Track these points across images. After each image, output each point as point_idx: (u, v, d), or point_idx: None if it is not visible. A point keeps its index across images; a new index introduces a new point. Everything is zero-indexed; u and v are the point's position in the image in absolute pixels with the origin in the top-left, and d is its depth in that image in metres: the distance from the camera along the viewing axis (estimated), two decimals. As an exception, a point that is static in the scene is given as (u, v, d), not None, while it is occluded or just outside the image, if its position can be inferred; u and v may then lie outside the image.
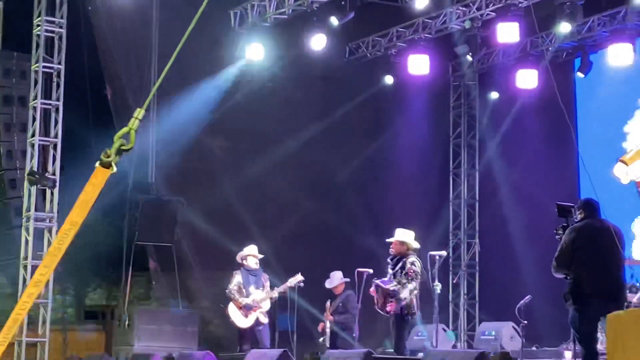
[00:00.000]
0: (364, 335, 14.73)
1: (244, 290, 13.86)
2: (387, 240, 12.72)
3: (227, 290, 14.01)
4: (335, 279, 14.80)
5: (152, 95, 4.43)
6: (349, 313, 14.39)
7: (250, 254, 14.02)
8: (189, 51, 16.13)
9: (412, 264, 12.28)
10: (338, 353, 11.84)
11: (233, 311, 13.89)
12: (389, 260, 12.62)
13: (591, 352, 9.33)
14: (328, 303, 14.86)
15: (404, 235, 12.54)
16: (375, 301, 12.36)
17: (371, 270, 13.45)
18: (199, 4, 5.16)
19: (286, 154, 18.71)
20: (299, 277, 13.89)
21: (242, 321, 13.81)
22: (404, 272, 12.26)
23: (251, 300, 13.77)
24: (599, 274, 9.34)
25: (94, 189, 3.96)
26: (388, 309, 12.13)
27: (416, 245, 12.57)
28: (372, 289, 12.63)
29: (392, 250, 12.58)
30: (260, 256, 14.11)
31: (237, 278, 13.94)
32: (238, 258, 14.11)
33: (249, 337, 13.81)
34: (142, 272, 20.66)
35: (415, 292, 12.26)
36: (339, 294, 14.88)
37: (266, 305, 13.86)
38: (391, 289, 12.09)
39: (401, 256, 12.43)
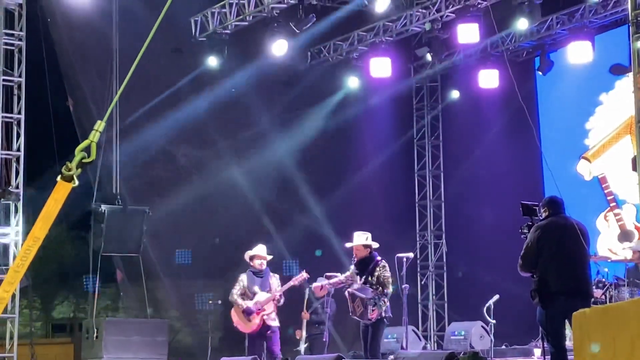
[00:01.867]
0: (334, 340, 14.75)
1: (249, 292, 13.26)
2: (347, 245, 12.66)
3: (229, 296, 13.51)
4: (318, 282, 14.87)
5: (112, 107, 4.42)
6: (326, 314, 14.43)
7: (256, 254, 13.37)
8: (150, 60, 16.11)
9: (384, 268, 12.25)
10: (309, 358, 11.84)
11: (235, 316, 13.33)
12: (353, 266, 12.55)
13: (559, 349, 9.39)
14: (306, 292, 14.82)
15: (364, 238, 12.49)
16: (352, 309, 12.22)
17: (339, 274, 13.43)
18: (159, 13, 5.16)
19: (251, 159, 18.72)
20: (304, 275, 13.38)
21: (245, 326, 13.21)
22: (374, 276, 12.20)
23: (253, 304, 13.16)
24: (564, 271, 9.41)
25: (56, 203, 3.94)
26: (371, 316, 12.05)
27: (376, 245, 12.56)
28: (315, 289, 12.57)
29: (355, 256, 12.54)
30: (268, 257, 13.45)
31: (242, 281, 13.30)
32: (246, 257, 13.50)
33: (257, 343, 13.16)
34: (109, 284, 20.55)
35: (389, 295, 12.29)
36: (320, 297, 14.94)
37: (269, 308, 13.16)
38: (371, 297, 12.03)
39: (366, 260, 12.38)
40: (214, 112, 18.28)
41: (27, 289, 18.35)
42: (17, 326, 15.64)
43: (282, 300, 13.25)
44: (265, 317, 13.12)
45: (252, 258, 13.39)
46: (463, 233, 19.83)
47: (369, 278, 12.19)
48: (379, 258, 12.41)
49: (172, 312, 19.64)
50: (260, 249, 13.45)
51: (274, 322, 13.15)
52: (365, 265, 12.32)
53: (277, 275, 13.49)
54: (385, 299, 12.13)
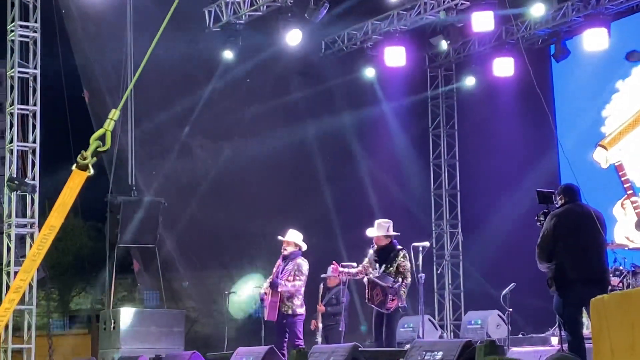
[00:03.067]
0: (350, 329, 14.74)
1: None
2: (369, 234, 12.58)
3: None
4: (330, 272, 14.83)
5: (126, 96, 4.42)
6: (341, 305, 14.40)
7: (282, 240, 13.06)
8: (164, 51, 16.11)
9: (404, 257, 12.20)
10: (325, 347, 11.81)
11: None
12: (372, 252, 12.52)
13: (577, 337, 9.35)
14: (321, 287, 14.79)
15: (386, 229, 12.46)
16: (369, 297, 12.12)
17: (355, 264, 13.40)
18: (172, 3, 5.15)
19: (266, 149, 18.71)
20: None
21: (265, 314, 12.91)
22: (393, 266, 12.14)
23: (263, 292, 12.87)
24: (581, 258, 9.37)
25: (71, 192, 3.94)
26: (389, 305, 12.00)
27: (396, 233, 12.51)
28: (332, 270, 12.48)
29: (375, 245, 12.44)
30: (301, 244, 12.92)
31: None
32: None
33: (276, 332, 12.81)
34: (126, 275, 20.62)
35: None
36: (333, 287, 14.90)
37: (272, 296, 12.65)
38: (392, 286, 11.97)
39: (387, 249, 12.33)
40: (229, 102, 18.29)
41: (45, 280, 18.43)
42: (35, 317, 15.71)
43: (280, 287, 12.63)
44: (274, 304, 12.70)
45: None
46: (479, 222, 19.77)
47: (389, 267, 12.14)
48: (399, 247, 12.35)
49: (189, 303, 19.67)
50: (288, 234, 13.07)
51: (294, 310, 12.72)
52: (386, 254, 12.25)
53: (305, 261, 12.92)
54: (405, 289, 12.10)
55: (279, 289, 12.67)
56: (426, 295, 13.80)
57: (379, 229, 12.42)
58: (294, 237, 13.05)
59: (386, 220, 12.53)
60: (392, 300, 11.97)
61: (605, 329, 5.68)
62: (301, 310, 12.82)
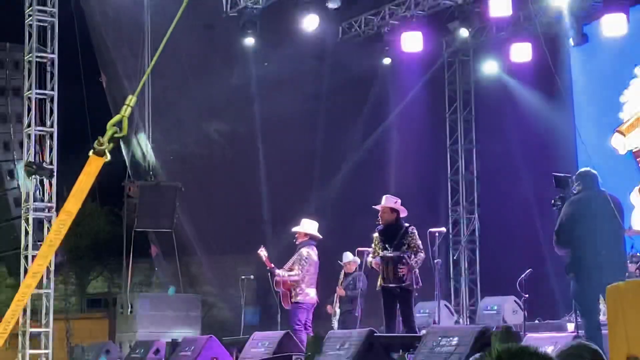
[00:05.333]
0: (366, 315, 14.76)
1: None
2: (375, 207, 12.15)
3: None
4: (346, 258, 14.83)
5: (143, 82, 4.42)
6: (357, 290, 14.42)
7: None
8: (182, 36, 16.11)
9: (414, 234, 11.87)
10: (341, 333, 11.82)
11: None
12: (377, 235, 12.02)
13: (593, 323, 9.36)
14: (342, 273, 14.82)
15: (393, 202, 11.98)
16: (386, 275, 11.66)
17: (369, 249, 13.33)
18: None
19: (283, 134, 18.71)
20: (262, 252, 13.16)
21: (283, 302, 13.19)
22: (404, 244, 11.81)
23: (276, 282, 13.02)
24: (598, 245, 9.36)
25: (88, 178, 3.95)
26: (402, 272, 11.52)
27: (404, 212, 12.15)
28: (374, 261, 12.03)
29: (380, 219, 11.95)
30: (312, 233, 13.03)
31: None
32: None
33: (288, 317, 13.11)
34: (143, 259, 20.68)
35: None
36: (351, 272, 14.91)
37: (279, 284, 12.85)
38: (402, 255, 11.62)
39: (394, 227, 11.94)
40: (246, 87, 18.29)
41: (63, 264, 18.52)
42: (52, 301, 15.79)
43: (277, 276, 12.77)
44: (285, 292, 12.88)
45: None
46: (495, 207, 19.73)
47: (401, 245, 11.80)
48: (407, 224, 12.00)
49: (205, 288, 19.74)
50: (300, 224, 13.18)
51: (294, 298, 12.88)
52: (393, 233, 11.81)
53: (310, 250, 12.98)
54: (418, 262, 11.72)
55: (276, 278, 12.87)
56: (442, 281, 13.79)
57: (387, 201, 11.99)
58: (304, 228, 13.17)
59: (394, 196, 12.23)
60: (402, 268, 11.67)
61: (621, 315, 5.68)
62: (301, 299, 12.91)
